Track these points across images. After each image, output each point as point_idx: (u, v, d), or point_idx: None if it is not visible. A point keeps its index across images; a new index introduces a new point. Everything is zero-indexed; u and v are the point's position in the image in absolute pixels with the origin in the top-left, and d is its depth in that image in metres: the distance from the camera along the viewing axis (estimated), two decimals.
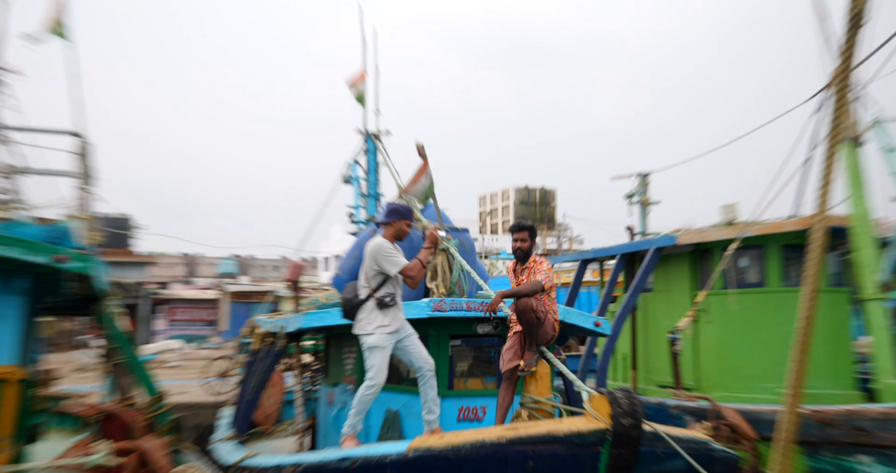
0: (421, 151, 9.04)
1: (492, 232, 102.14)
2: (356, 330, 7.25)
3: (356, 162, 13.87)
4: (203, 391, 17.41)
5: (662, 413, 10.14)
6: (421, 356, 7.24)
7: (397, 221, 7.37)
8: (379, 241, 7.27)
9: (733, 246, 11.01)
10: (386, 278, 7.20)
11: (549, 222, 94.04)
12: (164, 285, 56.27)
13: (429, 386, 7.26)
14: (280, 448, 10.87)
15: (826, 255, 11.46)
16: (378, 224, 7.68)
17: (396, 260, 7.18)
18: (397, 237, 7.40)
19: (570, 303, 14.79)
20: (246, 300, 39.91)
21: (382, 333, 7.10)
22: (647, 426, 5.80)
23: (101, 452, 3.96)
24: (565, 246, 62.31)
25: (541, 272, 7.19)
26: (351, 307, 7.28)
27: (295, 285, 9.95)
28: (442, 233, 8.62)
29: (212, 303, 41.38)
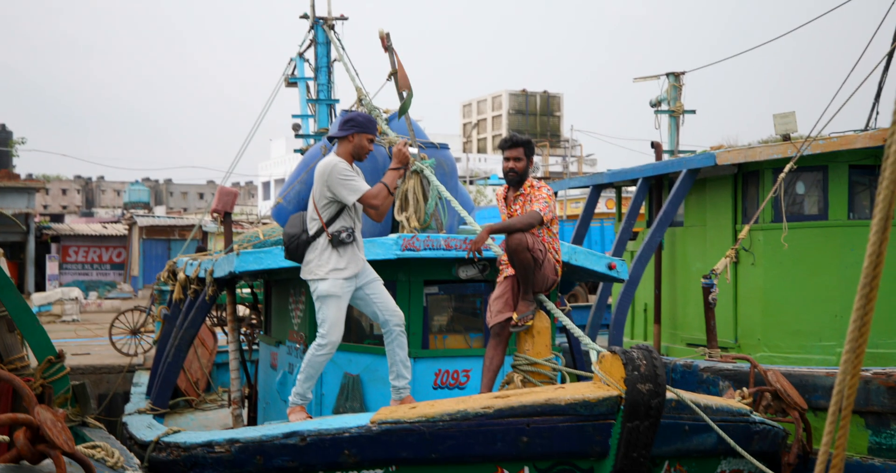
0: (385, 43, 8.97)
1: (479, 150, 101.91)
2: (304, 275, 7.31)
3: (302, 57, 13.77)
4: (109, 352, 17.53)
5: (691, 378, 10.35)
6: (387, 308, 7.32)
7: (356, 134, 7.35)
8: (332, 160, 7.26)
9: (788, 167, 11.08)
10: (342, 209, 7.23)
11: (553, 137, 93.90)
12: (56, 217, 56.06)
13: (397, 345, 7.37)
14: (211, 422, 11.03)
15: None
16: (331, 139, 7.67)
17: (354, 185, 7.19)
18: (356, 156, 7.39)
19: (578, 240, 14.91)
20: (162, 237, 39.93)
21: (338, 278, 7.16)
22: (671, 393, 5.96)
23: None
24: (573, 168, 62.41)
25: (539, 201, 7.24)
26: (296, 246, 7.32)
27: (226, 218, 9.96)
28: (413, 150, 8.63)
29: (118, 241, 41.35)
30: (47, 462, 4.47)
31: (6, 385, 7.67)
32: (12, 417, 4.36)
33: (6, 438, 4.28)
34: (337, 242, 7.16)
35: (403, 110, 8.97)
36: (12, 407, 7.65)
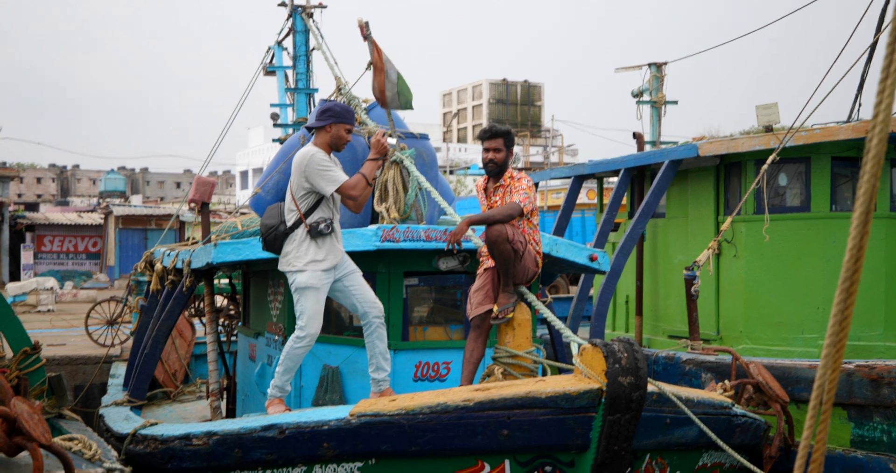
0: (365, 32, 8.95)
1: (459, 140, 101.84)
2: (282, 266, 7.31)
3: (281, 46, 13.71)
4: (86, 343, 17.47)
5: (673, 370, 10.40)
6: (366, 299, 7.33)
7: (333, 124, 7.34)
8: (309, 150, 7.25)
9: (771, 158, 11.12)
10: (320, 199, 7.22)
11: (534, 126, 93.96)
12: (31, 206, 55.74)
13: (377, 337, 7.37)
14: (189, 414, 11.02)
15: (887, 170, 11.64)
16: (309, 129, 7.65)
17: (332, 175, 7.18)
18: (334, 146, 7.39)
19: (559, 232, 14.92)
20: (139, 227, 39.73)
21: (316, 270, 7.16)
22: (652, 385, 5.98)
23: None
24: (554, 158, 62.53)
25: (519, 192, 7.25)
26: (274, 237, 7.31)
27: (203, 208, 9.92)
28: (392, 140, 8.62)
29: (94, 230, 41.14)
30: (24, 454, 4.46)
31: None
32: None
33: None
34: (315, 233, 7.16)
35: (405, 101, 8.86)
36: None
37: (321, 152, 7.25)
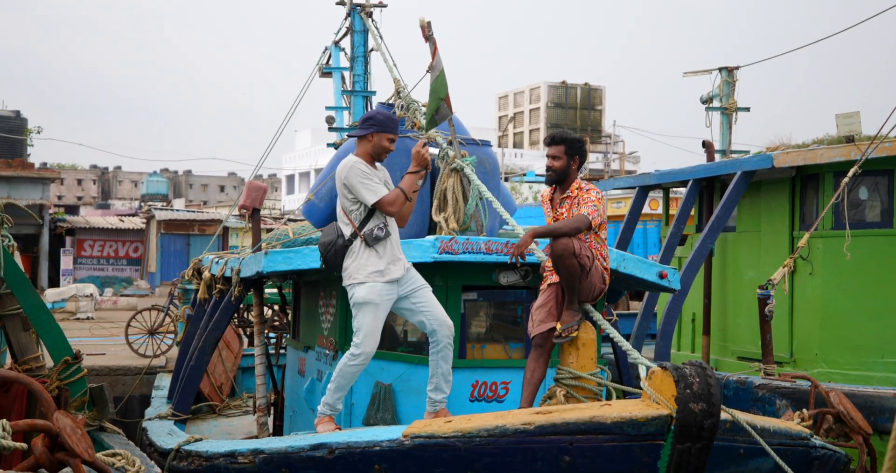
0: (426, 32, 8.94)
1: (515, 145, 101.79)
2: (345, 282, 7.31)
3: (338, 46, 13.75)
4: (125, 353, 17.64)
5: (745, 395, 10.28)
6: (436, 318, 7.29)
7: (375, 133, 7.34)
8: (349, 161, 7.28)
9: (853, 170, 10.98)
10: (372, 210, 7.22)
11: (594, 132, 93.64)
12: (71, 208, 56.57)
13: (441, 358, 7.34)
14: (235, 430, 11.07)
15: None
16: (353, 137, 7.66)
17: (372, 187, 7.18)
18: (376, 156, 7.40)
19: (622, 245, 14.86)
20: (181, 232, 40.14)
21: (378, 282, 7.14)
22: (726, 413, 5.89)
23: None
24: (615, 166, 62.20)
25: (588, 204, 7.20)
26: (334, 253, 7.30)
27: (254, 215, 9.96)
28: (434, 150, 8.55)
29: (135, 235, 41.65)
30: (66, 470, 4.47)
31: (21, 387, 7.71)
32: (30, 424, 4.36)
33: (24, 445, 4.28)
34: (371, 239, 7.15)
35: (433, 120, 8.82)
36: (27, 410, 7.70)
37: (361, 162, 7.26)
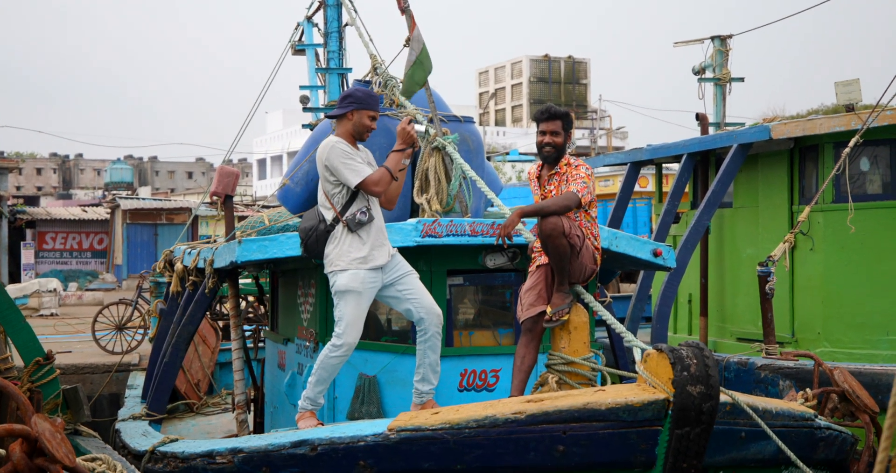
0: (402, 4, 8.94)
1: (497, 123, 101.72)
2: (326, 269, 7.32)
3: (311, 22, 13.70)
4: (93, 350, 17.60)
5: (746, 377, 10.35)
6: (423, 306, 7.31)
7: (355, 111, 7.36)
8: (329, 141, 7.28)
9: (854, 141, 11.03)
10: (355, 193, 7.24)
11: (579, 107, 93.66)
12: (31, 199, 56.28)
13: (429, 347, 7.37)
14: (213, 429, 11.08)
15: None
16: (332, 118, 7.67)
17: (356, 167, 7.20)
18: (357, 135, 7.41)
19: (614, 223, 14.89)
20: (148, 222, 39.93)
21: (361, 269, 7.15)
22: (725, 395, 5.93)
23: None
24: (601, 142, 62.24)
25: (577, 180, 7.22)
26: (316, 239, 7.31)
27: (227, 201, 9.94)
28: (420, 127, 8.56)
29: (100, 226, 41.46)
30: None
31: None
32: (8, 428, 4.36)
33: (1, 451, 4.29)
34: (354, 224, 7.17)
35: (414, 82, 8.87)
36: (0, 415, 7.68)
37: (342, 142, 7.27)
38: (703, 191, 13.41)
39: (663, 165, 15.91)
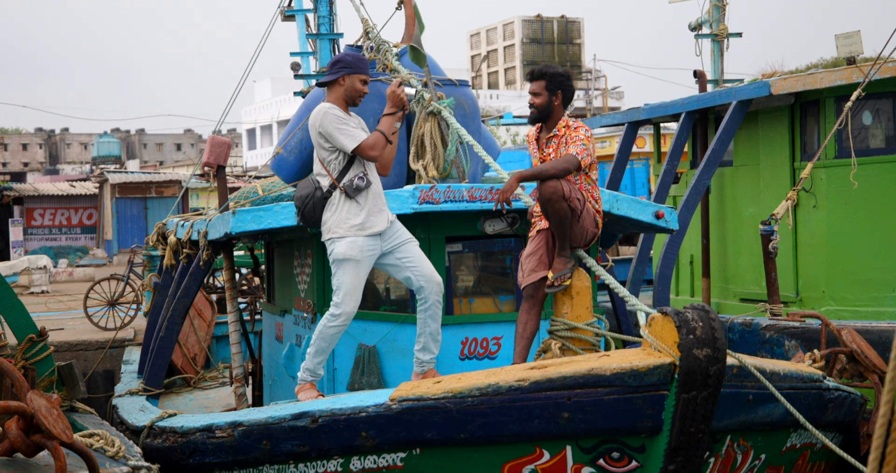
0: None
1: (490, 86, 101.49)
2: (324, 236, 7.31)
3: None
4: (85, 326, 17.62)
5: (751, 338, 10.35)
6: (423, 274, 7.31)
7: (346, 76, 7.35)
8: (322, 107, 7.28)
9: (856, 94, 11.00)
10: (351, 159, 7.22)
11: (574, 68, 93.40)
12: (17, 176, 56.19)
13: (430, 316, 7.38)
14: (211, 403, 11.12)
15: None
16: (322, 86, 7.65)
17: (350, 132, 7.19)
18: (350, 101, 7.40)
19: (612, 186, 14.87)
20: (138, 195, 39.92)
21: (359, 236, 7.15)
22: (732, 358, 5.95)
23: None
24: (597, 103, 62.16)
25: (576, 142, 7.20)
26: (312, 207, 7.30)
27: (219, 172, 9.90)
28: (410, 90, 8.53)
29: (88, 201, 41.43)
30: (44, 453, 4.48)
31: None
32: (3, 405, 4.36)
33: None
34: (351, 190, 7.16)
35: (417, 53, 8.83)
36: None
37: (335, 108, 7.27)
38: (703, 150, 13.38)
39: (661, 124, 15.87)
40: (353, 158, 7.22)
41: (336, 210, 7.23)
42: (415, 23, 8.93)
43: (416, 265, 7.32)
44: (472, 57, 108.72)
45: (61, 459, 4.23)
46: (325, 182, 7.29)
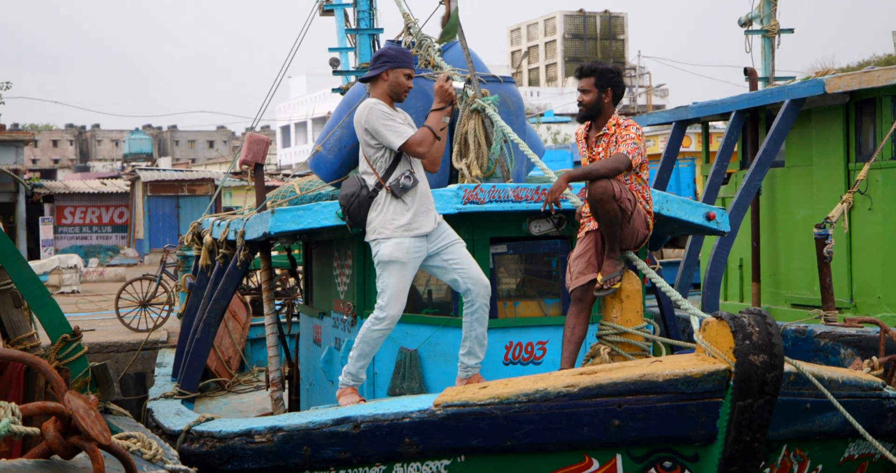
0: None
1: (530, 83, 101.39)
2: (368, 237, 7.30)
3: None
4: (117, 328, 17.74)
5: (805, 345, 10.29)
6: (470, 276, 7.27)
7: (390, 71, 7.32)
8: (367, 103, 7.26)
9: None
10: (398, 157, 7.20)
11: (617, 64, 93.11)
12: (47, 173, 56.65)
13: (476, 319, 7.34)
14: (247, 407, 11.14)
15: None
16: (366, 81, 7.65)
17: (397, 127, 7.17)
18: (395, 96, 7.37)
19: (659, 186, 14.80)
20: (170, 194, 40.15)
21: (406, 237, 7.12)
22: (790, 365, 5.90)
23: (3, 419, 4.03)
24: (641, 101, 61.97)
25: (627, 141, 7.17)
26: (358, 206, 7.26)
27: (257, 170, 9.91)
28: (458, 84, 8.52)
29: (120, 199, 41.76)
30: (81, 455, 4.48)
31: (16, 368, 7.73)
32: (41, 406, 4.36)
33: (37, 430, 4.30)
34: (398, 189, 7.13)
35: (450, 32, 8.86)
36: (24, 393, 7.72)
37: (381, 104, 7.24)
38: (754, 150, 13.32)
39: (710, 123, 15.82)
40: (400, 155, 7.20)
41: (382, 210, 7.20)
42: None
43: (464, 267, 7.28)
44: (513, 53, 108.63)
45: (99, 461, 4.23)
46: (370, 181, 7.27)
